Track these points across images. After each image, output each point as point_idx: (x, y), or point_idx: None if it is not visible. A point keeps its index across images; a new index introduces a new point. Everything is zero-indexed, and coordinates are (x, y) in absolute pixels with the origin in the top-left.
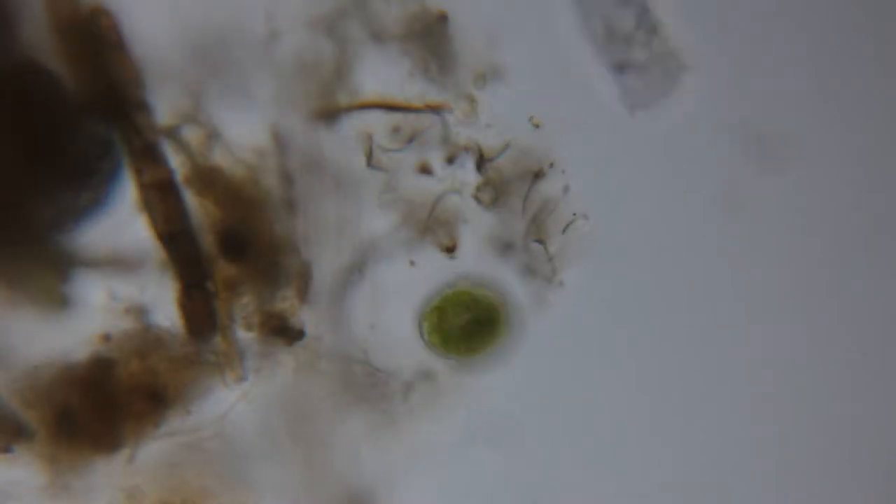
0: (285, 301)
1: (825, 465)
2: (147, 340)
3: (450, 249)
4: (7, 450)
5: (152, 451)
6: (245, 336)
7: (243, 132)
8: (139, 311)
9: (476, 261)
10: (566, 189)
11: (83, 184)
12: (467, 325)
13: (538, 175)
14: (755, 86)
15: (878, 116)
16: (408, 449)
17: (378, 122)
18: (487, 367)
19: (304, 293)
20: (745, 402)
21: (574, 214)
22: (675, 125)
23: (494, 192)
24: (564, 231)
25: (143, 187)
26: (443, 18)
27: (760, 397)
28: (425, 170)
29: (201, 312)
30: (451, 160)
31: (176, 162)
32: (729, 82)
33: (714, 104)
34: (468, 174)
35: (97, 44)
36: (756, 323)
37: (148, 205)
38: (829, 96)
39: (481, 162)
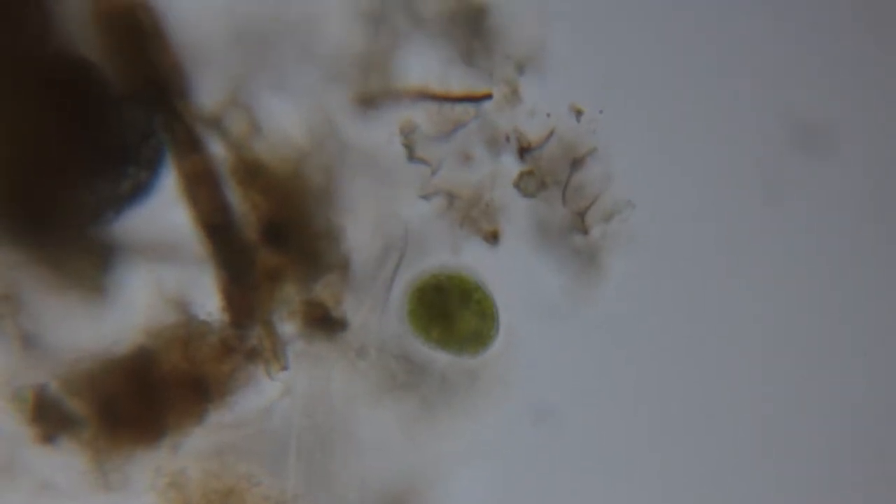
0: (327, 291)
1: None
2: (189, 331)
3: (493, 237)
4: (52, 439)
5: (196, 439)
6: (287, 327)
7: (286, 121)
8: (181, 302)
9: (517, 249)
10: (610, 177)
11: (123, 172)
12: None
13: (580, 163)
14: (801, 73)
15: None
16: (450, 442)
17: (419, 112)
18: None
19: (345, 284)
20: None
21: (617, 203)
22: (721, 114)
23: (537, 180)
24: (608, 219)
25: (185, 176)
26: (484, 9)
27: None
28: (467, 159)
29: (243, 302)
30: (493, 149)
31: (218, 151)
32: (774, 71)
33: (759, 92)
34: (510, 163)
35: (137, 34)
36: (801, 315)
37: (190, 194)
38: (873, 86)
39: (524, 150)
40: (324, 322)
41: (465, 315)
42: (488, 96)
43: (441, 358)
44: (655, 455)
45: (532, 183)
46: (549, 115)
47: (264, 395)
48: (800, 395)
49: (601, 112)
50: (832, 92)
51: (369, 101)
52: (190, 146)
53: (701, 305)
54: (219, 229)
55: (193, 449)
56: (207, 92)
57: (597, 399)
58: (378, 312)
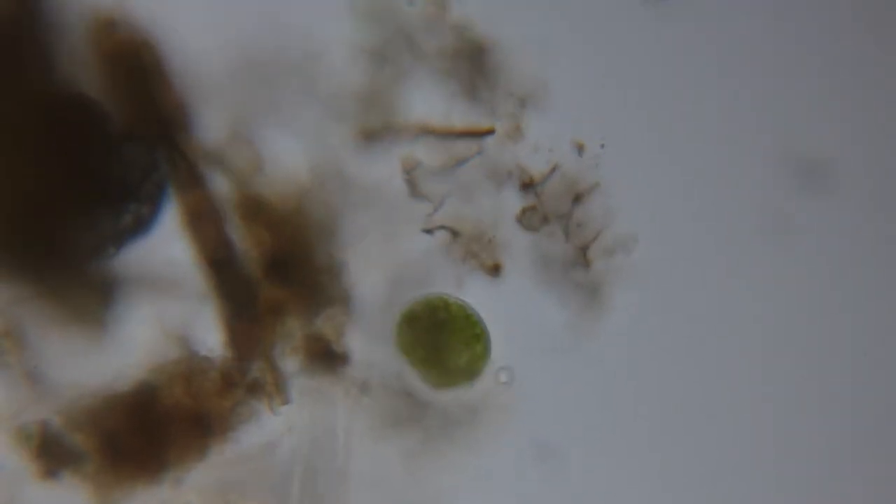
0: (329, 326)
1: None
2: (191, 366)
3: (495, 270)
4: (54, 474)
5: (199, 474)
6: (289, 361)
7: (288, 157)
8: (182, 337)
9: (520, 283)
10: (612, 212)
11: (125, 208)
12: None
13: (582, 198)
14: (800, 112)
15: None
16: (451, 477)
17: (422, 148)
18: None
19: (347, 318)
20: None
21: (620, 238)
22: (721, 148)
23: (540, 215)
24: (611, 254)
25: (188, 212)
26: (486, 46)
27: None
28: (470, 194)
29: (246, 337)
30: (495, 184)
31: (221, 186)
32: (774, 108)
33: (759, 130)
34: (513, 198)
35: (139, 72)
36: (805, 350)
37: (192, 229)
38: (871, 122)
39: (526, 185)
40: (325, 356)
41: (452, 343)
42: (491, 132)
43: (438, 392)
44: (656, 487)
45: (535, 218)
46: (551, 150)
47: (267, 430)
48: (801, 429)
49: (602, 147)
50: (834, 128)
51: (372, 137)
52: (192, 182)
53: (702, 340)
54: (221, 264)
55: (197, 484)
56: (210, 128)
57: (598, 433)
58: (377, 346)
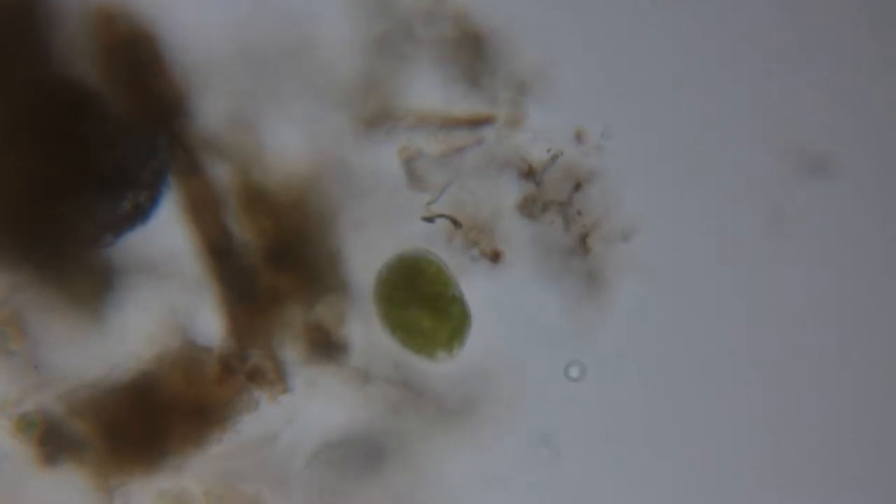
0: (329, 315)
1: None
2: (190, 355)
3: (495, 257)
4: (55, 461)
5: (199, 462)
6: (290, 351)
7: (288, 145)
8: (181, 325)
9: (520, 272)
10: (613, 201)
11: (123, 196)
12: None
13: (582, 186)
14: (805, 101)
15: None
16: (452, 469)
17: (422, 136)
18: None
19: (346, 307)
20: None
21: (620, 226)
22: (723, 137)
23: (540, 203)
24: (611, 243)
25: (188, 200)
26: (486, 33)
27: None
28: (469, 182)
29: (245, 326)
30: (495, 172)
31: (220, 174)
32: (780, 96)
33: (762, 118)
34: (513, 186)
35: (138, 61)
36: (810, 342)
37: (191, 217)
38: (874, 113)
39: (528, 174)
40: (325, 346)
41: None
42: (491, 120)
43: (442, 381)
44: (659, 478)
45: (535, 206)
46: (551, 138)
47: (267, 419)
48: (806, 424)
49: (603, 136)
50: (838, 117)
51: (372, 125)
52: (192, 170)
53: (703, 328)
54: (221, 252)
55: (197, 471)
56: (210, 116)
57: (600, 424)
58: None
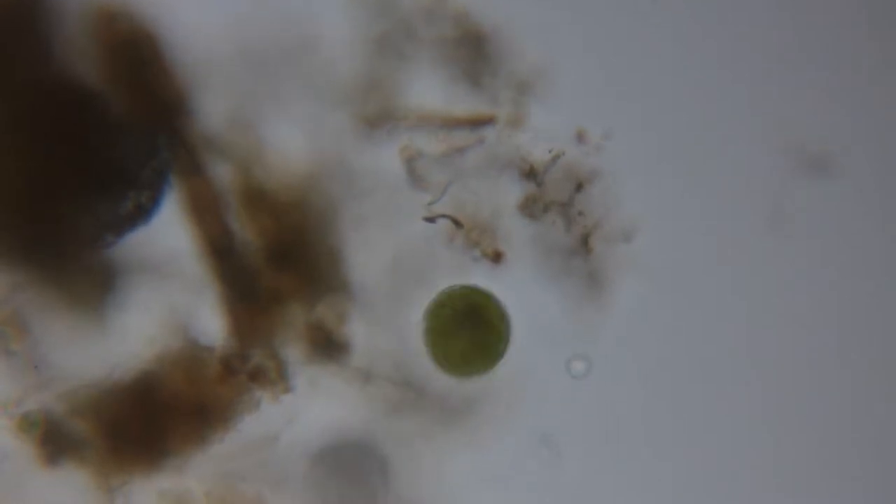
0: (330, 315)
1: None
2: (191, 354)
3: (496, 258)
4: (56, 460)
5: (201, 463)
6: (291, 350)
7: (289, 144)
8: (183, 324)
9: (520, 273)
10: (615, 201)
11: (124, 195)
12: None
13: (584, 186)
14: (803, 102)
15: None
16: (454, 468)
17: (423, 136)
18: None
19: (348, 307)
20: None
21: (622, 227)
22: (725, 136)
23: (542, 204)
24: (613, 243)
25: (189, 199)
26: (488, 33)
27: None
28: (471, 182)
29: (247, 325)
30: (498, 172)
31: (221, 173)
32: (780, 94)
33: (764, 117)
34: (514, 186)
35: (139, 60)
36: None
37: (192, 217)
38: (875, 112)
39: (529, 174)
40: (327, 345)
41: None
42: (492, 120)
43: (446, 382)
44: (659, 477)
45: (536, 206)
46: (553, 139)
47: (269, 419)
48: (806, 423)
49: (606, 136)
50: (839, 115)
51: (372, 125)
52: (193, 169)
53: (705, 329)
54: (222, 252)
55: (198, 472)
56: (211, 116)
57: (601, 425)
58: (379, 335)
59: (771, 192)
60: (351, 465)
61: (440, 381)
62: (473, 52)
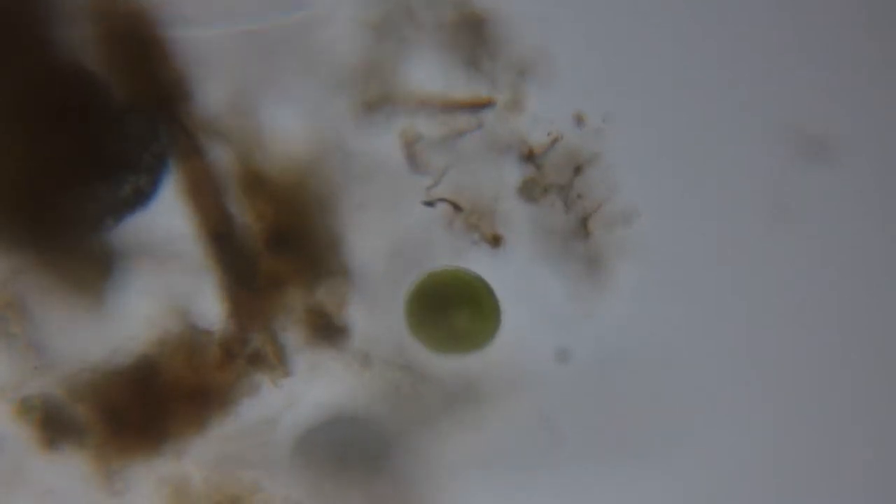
0: (330, 299)
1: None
2: (191, 339)
3: (495, 241)
4: (56, 445)
5: (200, 448)
6: (291, 335)
7: (289, 129)
8: (182, 309)
9: (520, 256)
10: (613, 184)
11: (124, 179)
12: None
13: (583, 169)
14: (806, 85)
15: None
16: (453, 451)
17: (422, 120)
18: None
19: (347, 291)
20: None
21: (621, 210)
22: (724, 121)
23: (541, 187)
24: (611, 226)
25: (189, 184)
26: (487, 17)
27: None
28: (470, 166)
29: (246, 309)
30: (497, 156)
31: (221, 158)
32: (780, 80)
33: (763, 103)
34: (513, 169)
35: (140, 46)
36: (808, 330)
37: (192, 201)
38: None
39: (528, 157)
40: (326, 330)
41: (460, 313)
42: (491, 103)
43: (443, 364)
44: (660, 464)
45: (535, 189)
46: (552, 122)
47: (268, 403)
48: (807, 422)
49: (604, 120)
50: (839, 102)
51: (372, 110)
52: (192, 153)
53: (704, 311)
54: (222, 236)
55: (198, 457)
56: (211, 100)
57: (599, 406)
58: (379, 321)
59: (772, 179)
60: (346, 440)
61: (439, 364)
62: (473, 36)
